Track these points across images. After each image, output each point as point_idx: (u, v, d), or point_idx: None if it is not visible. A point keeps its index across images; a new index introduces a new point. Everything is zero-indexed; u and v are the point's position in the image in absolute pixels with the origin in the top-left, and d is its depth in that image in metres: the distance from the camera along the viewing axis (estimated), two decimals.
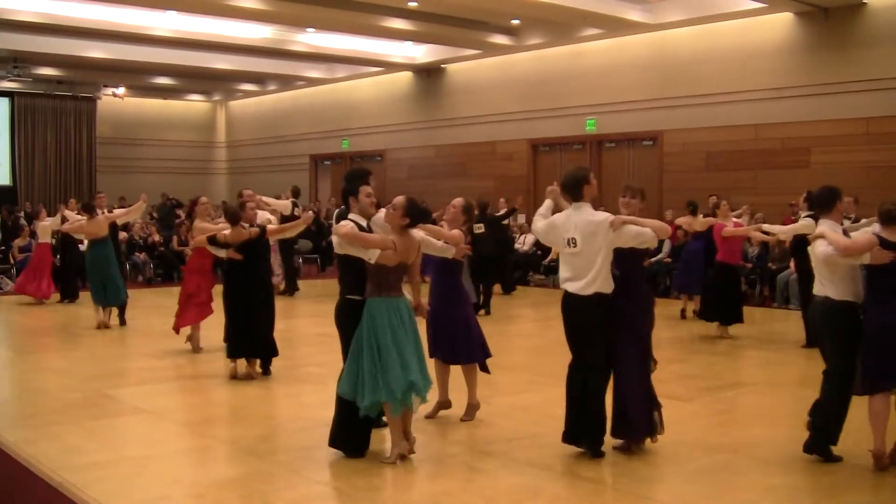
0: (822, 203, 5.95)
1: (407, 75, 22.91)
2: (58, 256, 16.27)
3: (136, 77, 24.80)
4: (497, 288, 16.06)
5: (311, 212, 9.69)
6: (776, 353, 10.25)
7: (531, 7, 16.42)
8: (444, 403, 6.89)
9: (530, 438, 6.30)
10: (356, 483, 5.32)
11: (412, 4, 16.46)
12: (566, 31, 18.09)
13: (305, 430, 6.46)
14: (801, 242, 10.39)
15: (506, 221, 15.77)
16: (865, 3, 14.72)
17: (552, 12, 16.42)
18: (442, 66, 21.83)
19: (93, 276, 11.79)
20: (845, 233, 5.83)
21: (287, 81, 25.27)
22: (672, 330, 11.64)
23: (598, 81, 18.52)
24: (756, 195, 15.76)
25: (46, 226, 15.19)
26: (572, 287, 5.76)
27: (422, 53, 21.32)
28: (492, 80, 20.72)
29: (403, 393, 5.44)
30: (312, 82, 24.87)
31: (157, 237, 19.03)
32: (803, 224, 10.12)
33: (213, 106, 29.90)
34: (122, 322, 12.05)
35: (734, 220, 11.62)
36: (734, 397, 7.98)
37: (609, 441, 5.89)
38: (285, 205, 14.36)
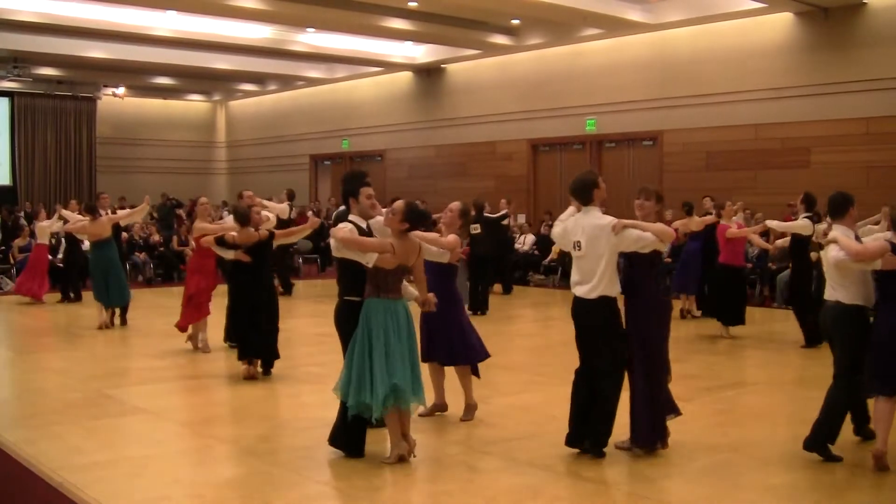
0: (836, 209, 6.06)
1: (407, 75, 22.91)
2: (58, 256, 16.30)
3: (136, 77, 24.81)
4: (497, 288, 16.10)
5: (316, 217, 9.69)
6: (776, 353, 10.25)
7: (531, 7, 16.43)
8: (441, 406, 6.91)
9: (530, 438, 6.30)
10: (356, 483, 5.32)
11: (412, 4, 16.46)
12: (566, 31, 18.10)
13: (305, 430, 6.47)
14: (799, 243, 10.47)
15: (505, 222, 15.79)
16: (865, 3, 14.72)
17: (552, 12, 16.43)
18: (442, 66, 21.84)
19: (96, 276, 11.78)
20: (857, 238, 5.91)
21: (287, 81, 25.27)
22: (672, 330, 11.57)
23: (598, 81, 18.52)
24: (756, 195, 15.77)
25: (44, 226, 15.18)
26: (579, 291, 5.78)
27: (422, 53, 21.33)
28: (492, 80, 20.73)
29: (385, 396, 5.40)
30: (312, 82, 24.87)
31: (157, 237, 19.03)
32: (801, 224, 10.19)
33: (213, 106, 29.90)
34: (123, 322, 12.06)
35: (735, 221, 11.63)
36: (734, 397, 7.98)
37: (609, 441, 5.90)
38: (282, 208, 14.38)
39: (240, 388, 8.16)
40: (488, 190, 20.31)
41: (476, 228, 13.82)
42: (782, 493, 5.24)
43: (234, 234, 8.49)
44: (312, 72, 23.71)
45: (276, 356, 8.59)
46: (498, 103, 20.47)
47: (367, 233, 5.77)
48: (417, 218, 5.66)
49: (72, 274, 15.08)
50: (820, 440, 5.71)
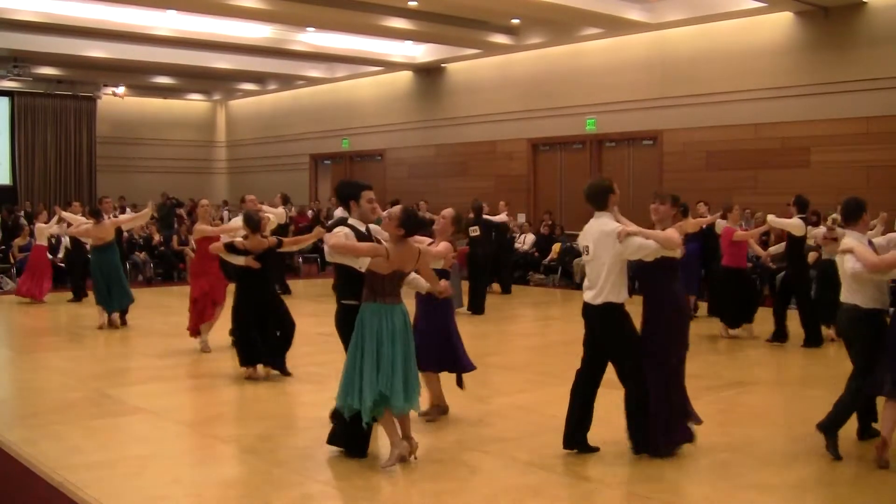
0: (849, 214, 6.14)
1: (407, 75, 22.91)
2: (58, 256, 16.30)
3: (136, 76, 24.81)
4: (496, 287, 16.11)
5: (321, 228, 9.72)
6: (776, 353, 10.25)
7: (531, 7, 16.43)
8: (441, 408, 6.94)
9: (530, 438, 6.30)
10: (356, 483, 5.33)
11: (412, 4, 16.46)
12: (566, 30, 18.09)
13: (306, 430, 6.47)
14: (795, 245, 10.53)
15: (505, 220, 15.83)
16: (865, 3, 14.72)
17: (552, 12, 16.42)
18: (442, 65, 21.83)
19: (98, 280, 11.73)
20: (870, 243, 6.06)
21: (287, 81, 25.27)
22: None
23: (598, 81, 18.52)
24: (756, 195, 15.77)
25: (43, 227, 15.16)
26: (587, 296, 5.81)
27: (422, 53, 21.33)
28: (492, 80, 20.72)
29: (374, 401, 5.39)
30: (312, 82, 24.87)
31: (157, 237, 19.03)
32: (794, 223, 10.34)
33: (213, 105, 29.90)
34: (123, 322, 12.05)
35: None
36: (734, 397, 7.98)
37: (607, 440, 5.90)
38: (280, 213, 14.42)
39: (240, 388, 8.16)
40: (488, 189, 20.33)
41: (475, 231, 13.85)
42: (782, 493, 5.24)
43: (240, 239, 8.47)
44: (312, 71, 23.71)
45: (276, 358, 8.52)
46: (498, 103, 20.47)
47: (367, 236, 5.77)
48: (414, 225, 5.62)
49: (77, 274, 15.08)
50: (831, 426, 5.90)
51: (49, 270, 15.06)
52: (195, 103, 29.45)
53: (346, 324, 5.76)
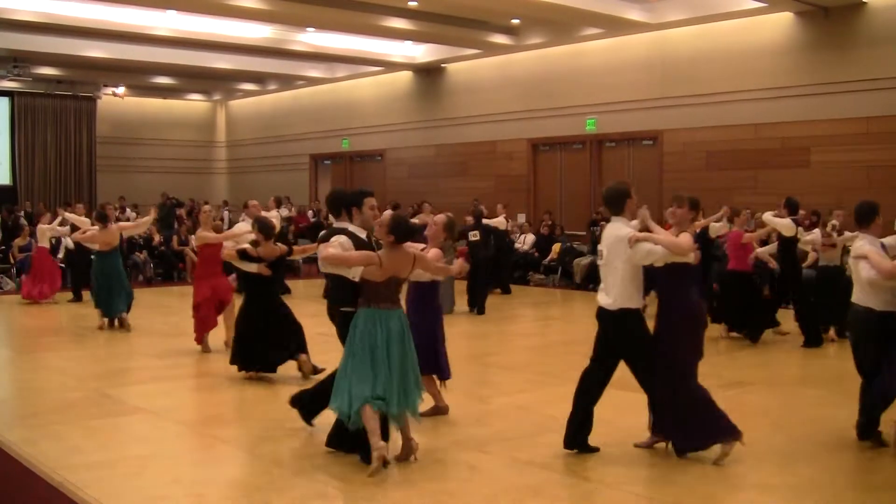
0: (862, 218, 6.21)
1: (407, 75, 22.91)
2: (58, 256, 16.28)
3: (136, 76, 24.80)
4: (496, 288, 16.12)
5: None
6: (776, 353, 10.25)
7: (531, 7, 16.43)
8: (441, 409, 6.95)
9: (530, 438, 6.31)
10: (356, 483, 5.32)
11: (412, 4, 16.46)
12: (566, 30, 18.09)
13: (305, 430, 6.47)
14: (786, 246, 10.56)
15: (505, 227, 15.88)
16: (865, 3, 14.72)
17: (552, 12, 16.42)
18: (442, 65, 21.83)
19: (101, 284, 11.67)
20: (883, 247, 6.16)
21: (287, 81, 25.27)
22: None
23: (598, 81, 18.52)
24: (756, 195, 15.76)
25: (45, 229, 15.14)
26: (602, 300, 5.82)
27: (422, 53, 21.33)
28: (492, 80, 20.72)
29: (360, 405, 5.36)
30: (312, 82, 24.87)
31: (157, 237, 19.03)
32: (784, 223, 10.49)
33: (213, 105, 29.90)
34: (121, 323, 12.03)
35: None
36: (734, 397, 7.96)
37: (607, 440, 5.90)
38: (275, 216, 14.45)
39: (240, 388, 8.16)
40: (488, 190, 20.34)
41: (475, 235, 13.93)
42: (782, 493, 5.24)
43: (248, 246, 8.44)
44: (312, 71, 23.71)
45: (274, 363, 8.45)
46: (498, 103, 20.47)
47: (367, 243, 5.76)
48: (403, 231, 5.58)
49: (78, 274, 15.07)
50: (869, 429, 6.07)
51: (55, 272, 15.03)
52: (195, 103, 29.45)
53: (345, 329, 5.76)
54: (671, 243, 5.66)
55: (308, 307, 14.62)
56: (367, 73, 23.37)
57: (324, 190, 25.59)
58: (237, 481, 5.48)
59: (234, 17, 17.87)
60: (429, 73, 22.31)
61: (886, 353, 5.95)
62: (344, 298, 5.81)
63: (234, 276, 11.93)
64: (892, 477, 5.65)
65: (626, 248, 5.66)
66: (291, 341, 8.33)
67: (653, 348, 5.76)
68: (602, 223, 17.54)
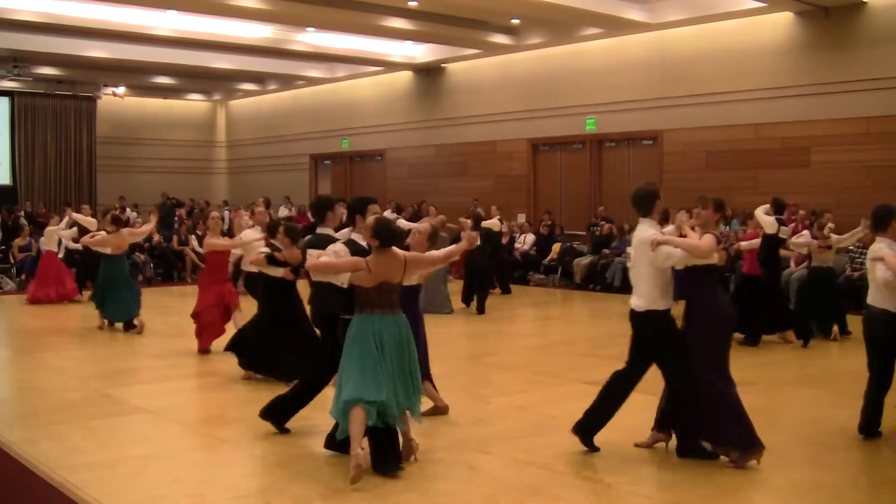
0: (878, 222, 6.26)
1: (407, 75, 22.91)
2: (59, 256, 16.27)
3: (136, 76, 24.80)
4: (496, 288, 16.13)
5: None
6: (776, 353, 10.25)
7: (531, 7, 16.43)
8: (441, 409, 6.95)
9: (530, 438, 6.31)
10: (356, 483, 5.32)
11: (412, 4, 16.46)
12: (566, 30, 18.10)
13: (305, 431, 6.47)
14: (769, 246, 10.56)
15: (499, 229, 15.86)
16: (865, 3, 14.72)
17: (552, 12, 16.42)
18: (442, 65, 21.83)
19: (107, 287, 11.61)
20: None
21: (287, 81, 25.27)
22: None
23: (598, 81, 18.52)
24: (756, 195, 15.73)
25: (53, 231, 15.08)
26: (633, 302, 5.85)
27: (422, 53, 21.33)
28: (492, 80, 20.73)
29: (352, 408, 5.35)
30: (312, 82, 24.87)
31: (157, 237, 19.03)
32: (766, 220, 10.56)
33: (213, 105, 29.90)
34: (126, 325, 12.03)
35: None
36: None
37: (607, 440, 5.91)
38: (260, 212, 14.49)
39: (240, 388, 8.16)
40: (488, 189, 20.35)
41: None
42: (782, 493, 5.24)
43: (263, 251, 8.37)
44: (312, 71, 23.71)
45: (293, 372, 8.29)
46: (498, 103, 20.47)
47: (368, 251, 5.74)
48: (387, 235, 5.52)
49: (82, 275, 15.05)
50: (871, 426, 6.23)
51: (63, 274, 14.96)
52: (195, 103, 29.45)
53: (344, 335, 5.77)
54: (691, 246, 5.63)
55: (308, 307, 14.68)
56: (367, 73, 23.37)
57: (324, 190, 25.60)
58: (237, 481, 5.48)
59: (234, 17, 17.88)
60: (429, 73, 22.31)
61: None
62: (332, 305, 5.81)
63: (240, 282, 11.96)
64: (893, 477, 5.65)
65: (648, 251, 5.67)
66: (308, 360, 7.85)
67: (683, 349, 5.73)
68: (602, 223, 17.60)
